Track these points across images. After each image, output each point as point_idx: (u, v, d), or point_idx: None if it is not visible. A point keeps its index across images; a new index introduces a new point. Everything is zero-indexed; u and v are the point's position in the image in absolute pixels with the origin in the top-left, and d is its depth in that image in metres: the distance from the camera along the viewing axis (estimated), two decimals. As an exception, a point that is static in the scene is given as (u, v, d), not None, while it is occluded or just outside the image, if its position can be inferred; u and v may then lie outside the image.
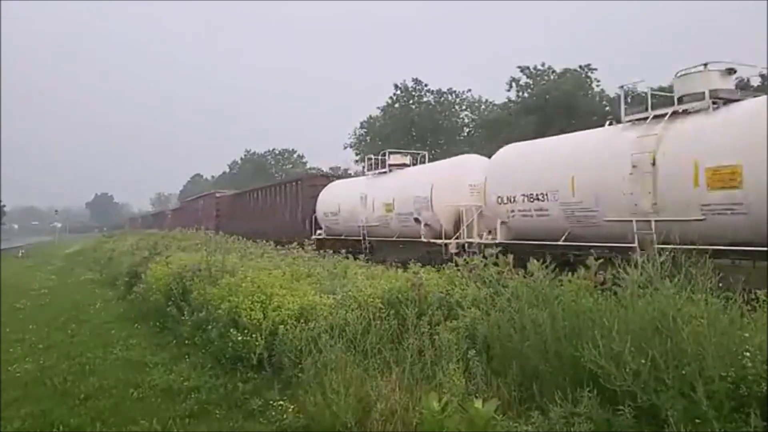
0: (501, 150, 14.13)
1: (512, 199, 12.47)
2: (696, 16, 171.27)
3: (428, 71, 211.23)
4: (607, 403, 3.70)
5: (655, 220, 9.23)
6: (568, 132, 13.61)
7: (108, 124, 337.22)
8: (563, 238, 11.08)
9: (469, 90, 59.02)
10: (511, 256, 6.66)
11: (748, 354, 3.40)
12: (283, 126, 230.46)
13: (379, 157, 20.12)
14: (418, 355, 5.13)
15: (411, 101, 56.73)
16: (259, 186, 34.93)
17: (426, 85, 57.09)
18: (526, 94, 46.01)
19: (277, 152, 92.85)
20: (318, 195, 22.89)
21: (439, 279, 7.21)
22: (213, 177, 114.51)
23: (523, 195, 12.15)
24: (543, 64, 46.17)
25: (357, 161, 56.52)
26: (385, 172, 19.48)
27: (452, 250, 13.97)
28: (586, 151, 11.14)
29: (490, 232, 13.46)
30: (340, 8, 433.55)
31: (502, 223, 12.82)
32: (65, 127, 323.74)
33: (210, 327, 7.77)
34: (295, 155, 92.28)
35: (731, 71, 9.63)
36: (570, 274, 5.32)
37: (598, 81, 44.40)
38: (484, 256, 6.87)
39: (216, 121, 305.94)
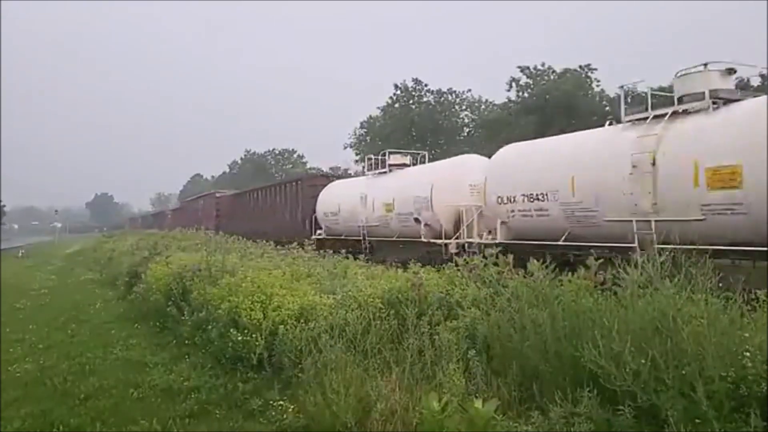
0: (501, 150, 14.12)
1: (512, 199, 12.47)
2: (696, 16, 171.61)
3: (428, 71, 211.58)
4: (607, 403, 3.70)
5: (655, 220, 9.23)
6: (568, 132, 13.62)
7: (108, 124, 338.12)
8: (563, 238, 11.08)
9: (469, 90, 59.19)
10: (511, 256, 6.66)
11: (748, 354, 3.39)
12: (283, 126, 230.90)
13: (379, 157, 20.09)
14: (418, 355, 5.12)
15: (411, 101, 56.73)
16: (260, 186, 34.90)
17: (426, 85, 57.18)
18: (526, 94, 46.01)
19: (277, 152, 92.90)
20: (318, 195, 22.90)
21: (439, 279, 7.21)
22: (213, 177, 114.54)
23: (523, 195, 12.14)
24: (543, 64, 46.25)
25: (357, 161, 56.62)
26: (385, 172, 19.47)
27: (452, 250, 13.96)
28: (586, 151, 11.14)
29: (490, 232, 13.45)
30: (340, 8, 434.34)
31: (502, 223, 12.81)
32: (65, 127, 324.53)
33: (210, 327, 7.77)
34: (295, 155, 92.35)
35: (731, 71, 9.62)
36: (570, 274, 5.33)
37: (598, 81, 44.51)
38: (484, 256, 6.87)
39: (216, 121, 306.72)
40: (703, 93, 9.25)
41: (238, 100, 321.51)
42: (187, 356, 7.81)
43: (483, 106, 57.23)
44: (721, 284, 4.29)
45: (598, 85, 44.35)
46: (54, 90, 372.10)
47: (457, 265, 7.57)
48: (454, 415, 3.80)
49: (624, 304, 4.28)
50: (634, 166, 9.64)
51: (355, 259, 11.82)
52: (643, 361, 3.57)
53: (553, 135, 14.75)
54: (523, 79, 46.47)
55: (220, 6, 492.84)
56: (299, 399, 5.21)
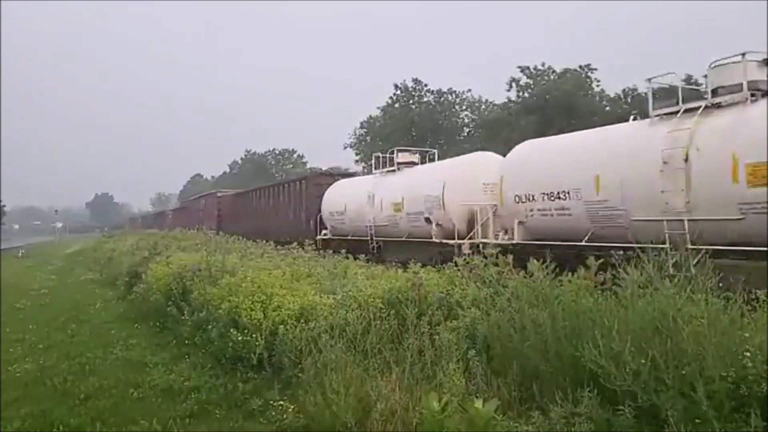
0: (517, 147, 13.65)
1: (531, 198, 11.96)
2: (696, 16, 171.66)
3: (428, 71, 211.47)
4: (608, 403, 3.70)
5: (688, 219, 8.73)
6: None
7: (108, 124, 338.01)
8: (586, 238, 10.54)
9: (469, 90, 59.26)
10: (510, 257, 6.65)
11: (748, 354, 3.39)
12: (283, 126, 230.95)
13: (387, 155, 19.49)
14: (418, 355, 5.12)
15: (411, 101, 56.79)
16: (263, 185, 34.59)
17: (426, 85, 57.27)
18: (526, 94, 46.06)
19: (277, 152, 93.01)
20: (323, 194, 22.53)
21: (439, 279, 7.21)
22: (213, 177, 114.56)
23: (543, 193, 11.61)
24: (543, 64, 46.34)
25: (357, 161, 56.62)
26: (393, 171, 18.96)
27: (466, 250, 13.36)
28: (610, 147, 10.61)
29: (506, 232, 13.00)
30: (340, 8, 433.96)
31: (520, 222, 12.37)
32: (65, 127, 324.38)
33: (210, 327, 7.76)
34: (295, 155, 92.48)
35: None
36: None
37: (598, 81, 44.60)
38: (484, 256, 6.86)
39: (216, 121, 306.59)
40: (741, 84, 8.74)
41: (238, 100, 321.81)
42: (187, 356, 7.80)
43: (483, 106, 57.28)
44: (721, 284, 4.28)
45: (598, 85, 44.51)
46: (54, 90, 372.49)
47: (456, 265, 7.56)
48: (454, 415, 3.80)
49: (624, 304, 4.28)
50: (665, 163, 9.13)
51: (356, 258, 11.80)
52: (643, 361, 3.56)
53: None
54: (523, 79, 46.55)
55: (220, 6, 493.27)
56: (299, 399, 5.20)
